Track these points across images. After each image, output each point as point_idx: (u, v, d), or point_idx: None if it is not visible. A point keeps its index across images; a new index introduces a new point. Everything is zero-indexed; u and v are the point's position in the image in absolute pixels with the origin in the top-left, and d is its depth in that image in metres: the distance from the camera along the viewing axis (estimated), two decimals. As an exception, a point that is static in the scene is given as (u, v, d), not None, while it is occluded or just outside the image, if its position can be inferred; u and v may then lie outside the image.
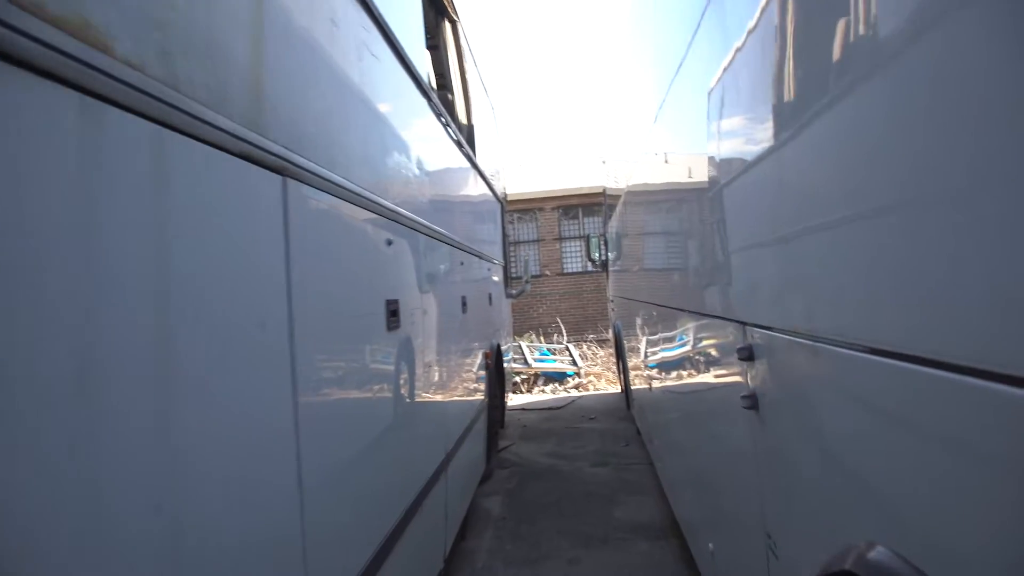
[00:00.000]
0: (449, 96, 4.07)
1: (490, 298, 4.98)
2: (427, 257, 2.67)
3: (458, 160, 3.77)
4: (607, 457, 5.19)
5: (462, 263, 3.58)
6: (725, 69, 1.63)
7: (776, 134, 1.29)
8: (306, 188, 1.34)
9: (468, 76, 4.53)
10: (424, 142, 2.79)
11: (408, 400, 2.23)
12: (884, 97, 0.87)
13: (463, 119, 4.34)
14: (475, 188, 4.54)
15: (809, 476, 1.24)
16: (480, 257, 4.44)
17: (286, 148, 1.24)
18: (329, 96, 1.55)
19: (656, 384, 3.95)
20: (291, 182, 1.26)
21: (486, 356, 4.48)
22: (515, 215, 14.68)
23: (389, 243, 2.06)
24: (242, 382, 1.06)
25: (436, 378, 2.69)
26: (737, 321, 1.65)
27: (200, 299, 0.94)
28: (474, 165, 4.36)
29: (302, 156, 1.31)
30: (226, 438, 1.00)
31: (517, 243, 14.55)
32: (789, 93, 1.22)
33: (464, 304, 3.58)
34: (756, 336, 1.48)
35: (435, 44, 3.98)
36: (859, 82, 0.93)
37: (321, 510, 1.33)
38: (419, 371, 2.39)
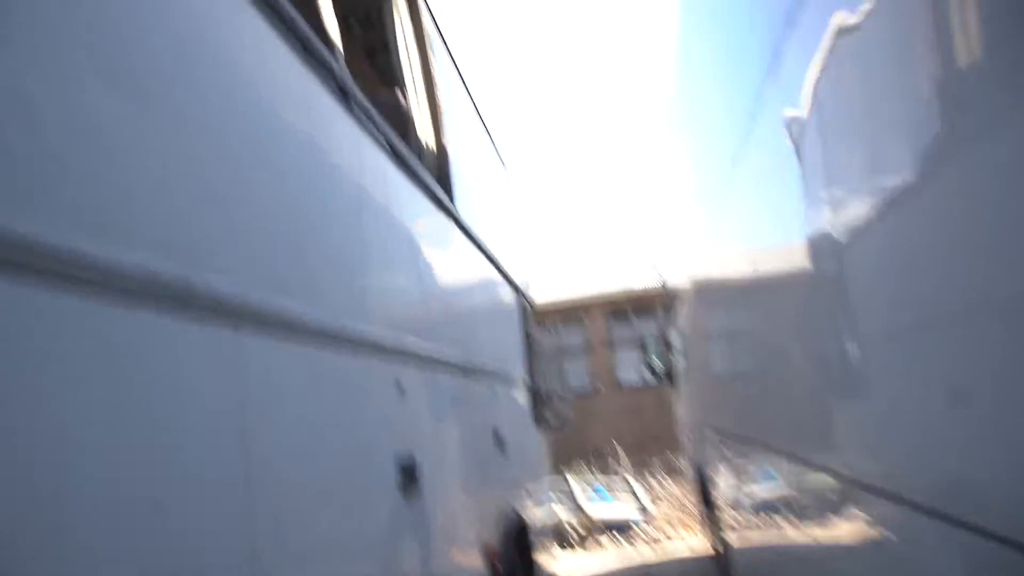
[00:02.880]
0: (399, 95, 2.34)
1: (497, 438, 3.00)
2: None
3: (401, 187, 1.98)
4: None
5: (401, 387, 1.68)
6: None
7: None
8: None
9: (436, 79, 2.79)
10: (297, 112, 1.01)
11: None
12: None
13: (428, 141, 2.57)
14: (456, 257, 2.71)
15: None
16: (465, 372, 2.53)
17: None
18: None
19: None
20: None
21: (490, 553, 2.45)
22: (558, 325, 12.85)
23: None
24: None
25: None
26: None
27: None
28: (451, 215, 2.56)
29: None
30: None
31: (562, 355, 12.60)
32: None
33: (411, 474, 1.64)
34: None
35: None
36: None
37: None
38: None
